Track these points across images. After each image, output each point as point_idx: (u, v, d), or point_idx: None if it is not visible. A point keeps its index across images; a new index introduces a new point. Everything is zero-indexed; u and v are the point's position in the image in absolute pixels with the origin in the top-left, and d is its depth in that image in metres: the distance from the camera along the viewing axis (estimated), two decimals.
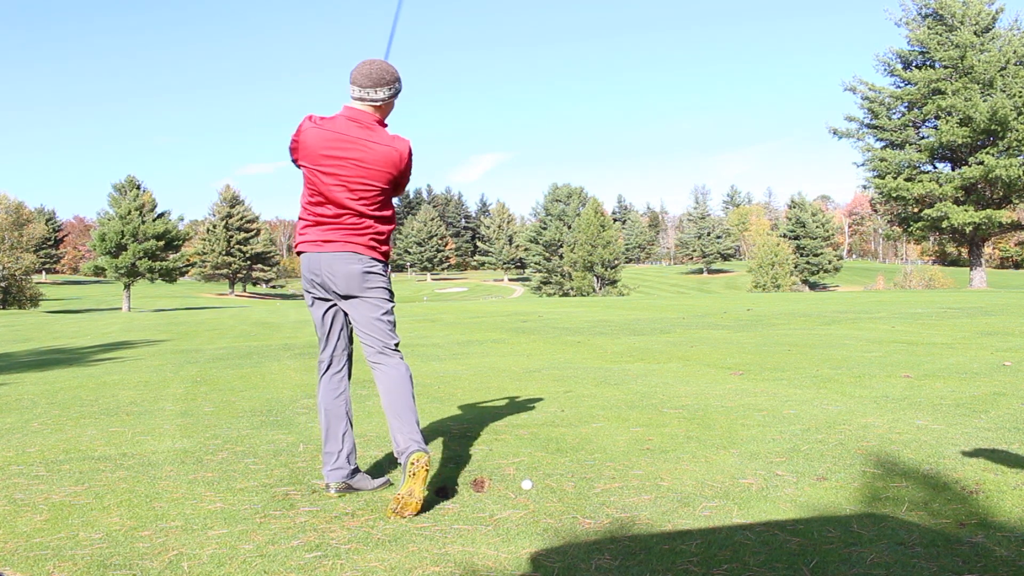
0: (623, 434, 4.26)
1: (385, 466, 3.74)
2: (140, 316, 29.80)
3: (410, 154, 3.23)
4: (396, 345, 3.28)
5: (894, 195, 39.35)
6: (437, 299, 68.96)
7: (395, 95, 3.22)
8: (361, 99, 3.17)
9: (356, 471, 3.33)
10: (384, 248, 3.30)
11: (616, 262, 64.99)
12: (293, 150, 3.22)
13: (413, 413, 3.18)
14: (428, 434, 4.42)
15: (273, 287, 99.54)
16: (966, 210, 37.29)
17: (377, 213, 3.23)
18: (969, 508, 2.83)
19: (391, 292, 3.35)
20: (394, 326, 3.31)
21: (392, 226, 3.34)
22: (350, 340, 3.42)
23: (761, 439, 4.02)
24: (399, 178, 3.24)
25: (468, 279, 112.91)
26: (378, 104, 3.19)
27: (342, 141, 3.13)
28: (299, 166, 3.22)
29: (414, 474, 2.95)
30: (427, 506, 3.05)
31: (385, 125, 3.26)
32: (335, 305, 3.30)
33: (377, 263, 3.25)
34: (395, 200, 3.38)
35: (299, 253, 3.28)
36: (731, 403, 5.12)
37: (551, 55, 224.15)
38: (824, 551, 2.47)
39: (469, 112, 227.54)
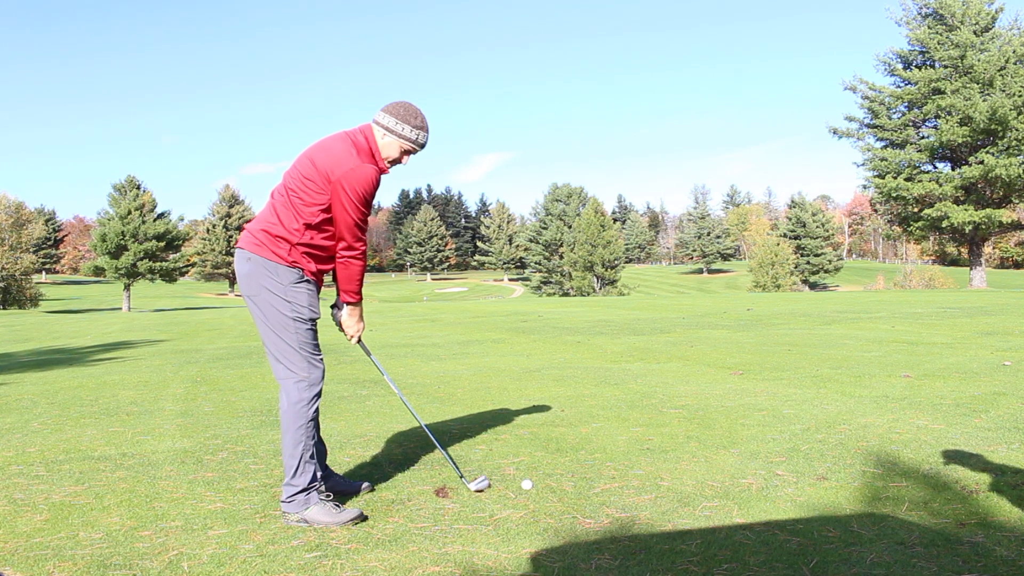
0: (623, 434, 4.26)
1: (384, 465, 3.74)
2: (140, 316, 29.80)
3: (352, 186, 2.92)
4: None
5: (894, 195, 39.34)
6: (437, 299, 68.97)
7: (393, 133, 3.03)
8: (374, 120, 3.09)
9: (328, 476, 3.27)
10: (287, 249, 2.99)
11: (616, 262, 64.94)
12: None
13: (288, 456, 2.99)
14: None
15: None
16: (966, 210, 37.27)
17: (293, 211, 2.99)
18: (969, 508, 2.83)
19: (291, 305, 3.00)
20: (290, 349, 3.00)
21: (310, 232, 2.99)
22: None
23: (761, 439, 4.02)
24: (332, 199, 2.95)
25: (468, 279, 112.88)
26: (376, 122, 3.07)
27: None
28: None
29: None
30: (413, 505, 3.05)
31: (372, 154, 3.06)
32: None
33: (275, 265, 3.00)
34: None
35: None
36: (731, 403, 5.12)
37: (551, 55, 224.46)
38: (824, 551, 2.47)
39: (473, 112, 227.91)
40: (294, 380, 3.01)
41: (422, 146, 3.12)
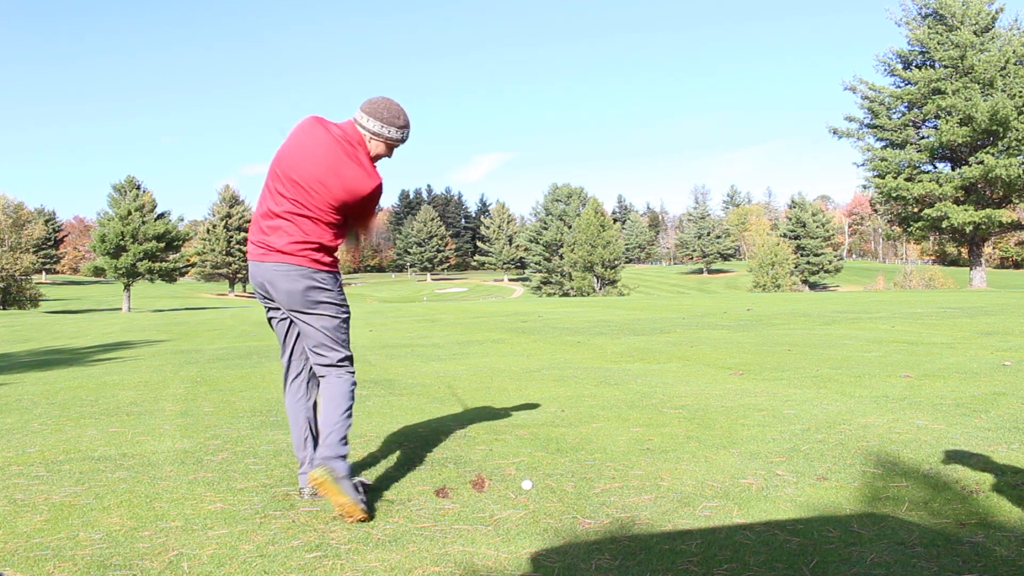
0: (623, 434, 4.26)
1: (384, 465, 3.74)
2: (140, 316, 29.80)
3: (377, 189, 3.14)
4: (340, 360, 3.20)
5: (894, 195, 39.35)
6: (437, 299, 68.96)
7: (384, 134, 3.11)
8: (355, 120, 3.14)
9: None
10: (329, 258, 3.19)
11: (616, 262, 64.93)
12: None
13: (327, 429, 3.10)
14: (428, 434, 4.42)
15: None
16: (966, 210, 37.27)
17: (321, 220, 3.13)
18: (969, 508, 2.83)
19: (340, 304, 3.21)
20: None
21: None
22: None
23: (761, 439, 4.02)
24: (352, 207, 3.12)
25: (468, 279, 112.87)
26: (362, 126, 3.12)
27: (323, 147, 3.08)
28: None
29: (321, 494, 2.95)
30: (413, 504, 3.05)
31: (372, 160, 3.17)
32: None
33: (322, 274, 3.16)
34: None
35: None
36: (731, 403, 5.11)
37: (551, 55, 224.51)
38: (824, 551, 2.47)
39: (473, 112, 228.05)
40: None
41: (406, 140, 3.22)
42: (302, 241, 3.07)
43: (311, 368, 3.31)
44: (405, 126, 3.16)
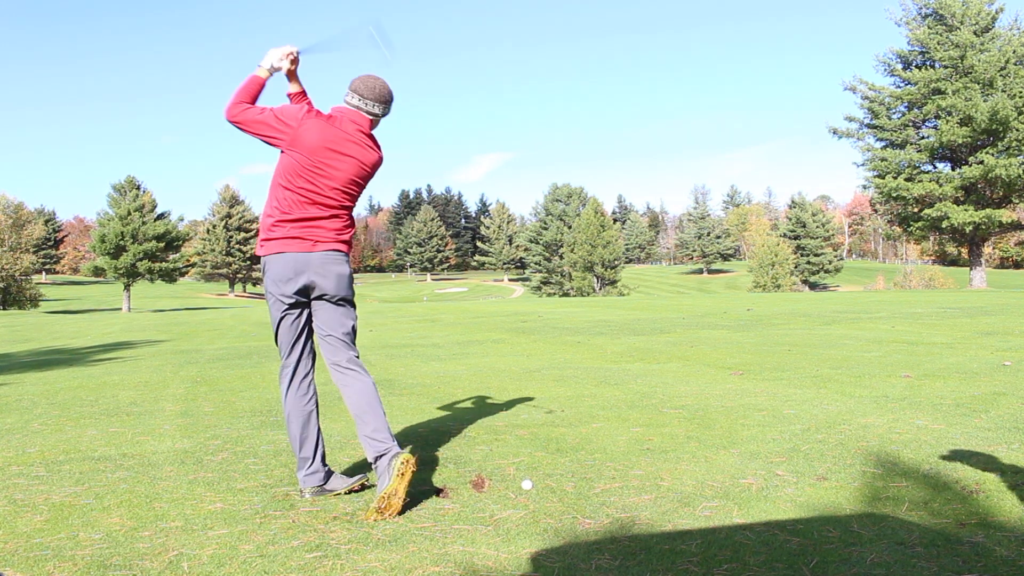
0: (623, 434, 4.26)
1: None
2: (140, 316, 29.79)
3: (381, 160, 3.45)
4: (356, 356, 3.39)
5: (894, 195, 39.34)
6: (437, 299, 68.94)
7: (385, 114, 3.40)
8: (358, 108, 3.31)
9: (330, 473, 3.31)
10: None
11: (616, 262, 64.92)
12: (282, 133, 3.19)
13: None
14: (428, 434, 4.42)
15: None
16: (966, 210, 37.27)
17: (351, 210, 3.41)
18: (969, 508, 2.83)
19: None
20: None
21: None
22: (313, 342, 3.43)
23: (761, 439, 4.02)
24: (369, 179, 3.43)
25: (468, 279, 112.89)
26: (362, 110, 3.32)
27: (345, 139, 3.26)
28: (285, 151, 3.21)
29: (402, 474, 2.96)
30: (413, 505, 3.05)
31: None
32: (306, 307, 3.31)
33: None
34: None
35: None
36: (731, 403, 5.11)
37: (551, 55, 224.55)
38: (824, 551, 2.47)
39: (473, 112, 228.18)
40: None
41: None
42: (347, 233, 3.33)
43: (314, 368, 3.38)
44: (390, 100, 3.40)
